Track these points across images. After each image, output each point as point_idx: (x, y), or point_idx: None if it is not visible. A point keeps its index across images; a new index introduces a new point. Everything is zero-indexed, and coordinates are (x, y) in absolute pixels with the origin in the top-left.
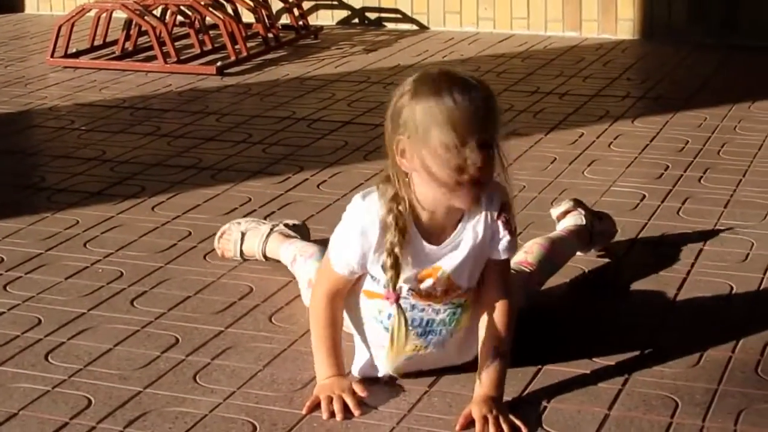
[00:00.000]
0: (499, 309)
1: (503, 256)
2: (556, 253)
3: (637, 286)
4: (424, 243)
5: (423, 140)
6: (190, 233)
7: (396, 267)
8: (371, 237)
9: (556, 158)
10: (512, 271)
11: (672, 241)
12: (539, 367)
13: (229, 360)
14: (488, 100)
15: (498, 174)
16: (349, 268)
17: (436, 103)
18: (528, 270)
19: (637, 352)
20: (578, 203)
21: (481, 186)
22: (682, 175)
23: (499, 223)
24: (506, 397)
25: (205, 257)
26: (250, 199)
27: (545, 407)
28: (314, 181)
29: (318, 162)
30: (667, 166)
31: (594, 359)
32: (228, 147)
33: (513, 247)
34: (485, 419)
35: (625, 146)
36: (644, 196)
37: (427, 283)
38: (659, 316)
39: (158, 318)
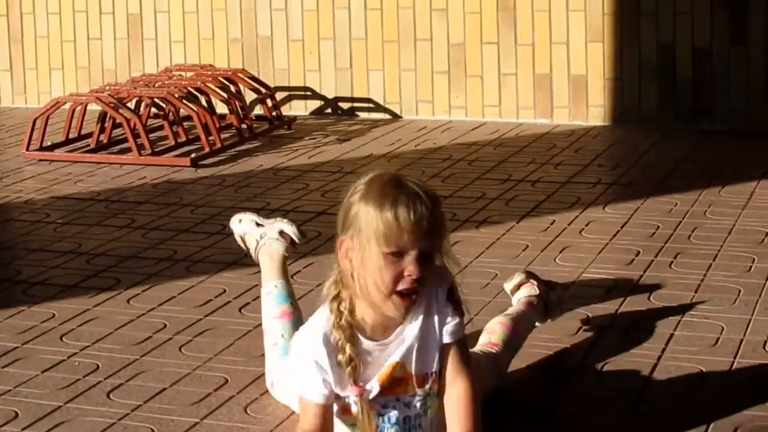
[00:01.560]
0: (461, 396)
1: (450, 340)
2: (518, 329)
3: (609, 368)
4: (368, 342)
5: (364, 245)
6: (165, 325)
7: (351, 361)
8: (323, 361)
9: (528, 245)
10: (479, 352)
11: (643, 326)
12: None
13: None
14: (433, 213)
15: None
16: (321, 393)
17: (381, 212)
18: (495, 351)
19: None
20: (530, 275)
21: (416, 297)
22: (652, 261)
23: (448, 308)
24: None
25: (180, 349)
26: (225, 290)
27: None
28: (289, 271)
29: (292, 253)
30: (638, 252)
31: None
32: (203, 239)
33: (459, 330)
34: None
35: (596, 233)
36: (615, 284)
37: (390, 380)
38: (630, 400)
39: (134, 410)
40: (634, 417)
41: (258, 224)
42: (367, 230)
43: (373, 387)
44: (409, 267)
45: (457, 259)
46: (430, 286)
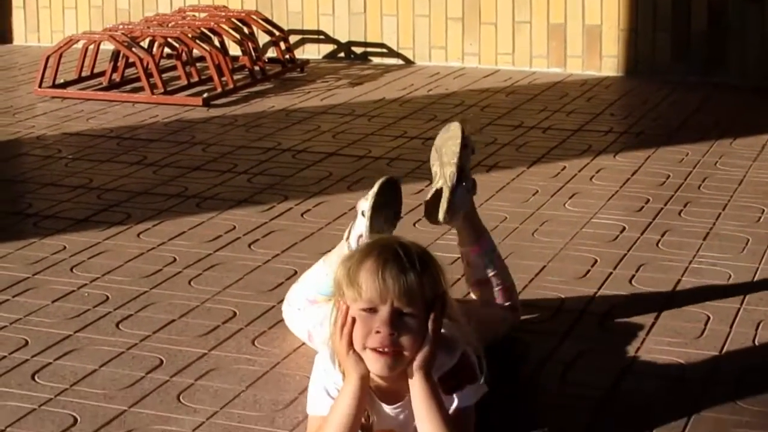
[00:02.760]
0: None
1: (453, 406)
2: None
3: (617, 311)
4: (378, 401)
5: (351, 299)
6: (175, 259)
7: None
8: (333, 393)
9: (538, 191)
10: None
11: (651, 271)
12: None
13: (212, 381)
14: (418, 275)
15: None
16: (329, 406)
17: (358, 269)
18: (494, 295)
19: (613, 378)
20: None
21: (391, 351)
22: (662, 209)
23: (439, 386)
24: None
25: (189, 282)
26: (235, 227)
27: None
28: (298, 210)
29: (302, 192)
30: (648, 200)
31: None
32: (213, 176)
33: (455, 400)
34: None
35: (606, 180)
36: (624, 228)
37: None
38: (640, 339)
39: (143, 340)
40: (645, 344)
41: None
42: (347, 288)
43: None
44: (378, 323)
45: (466, 328)
46: (413, 348)
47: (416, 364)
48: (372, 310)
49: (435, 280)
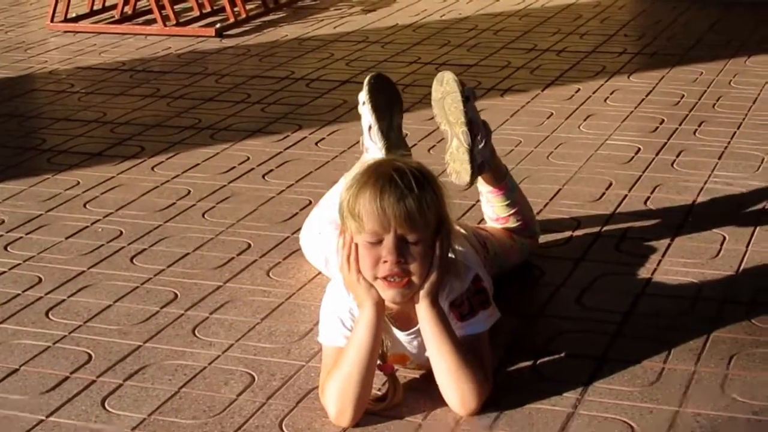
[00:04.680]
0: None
1: (465, 333)
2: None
3: (634, 229)
4: (392, 327)
5: (354, 231)
6: (189, 192)
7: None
8: (347, 323)
9: (552, 113)
10: (497, 235)
11: (666, 192)
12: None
13: (227, 314)
14: (417, 198)
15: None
16: (344, 336)
17: (356, 201)
18: (510, 224)
19: (631, 300)
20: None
21: (401, 281)
22: (677, 129)
23: (451, 314)
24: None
25: (203, 215)
26: (249, 158)
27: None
28: (312, 139)
29: (316, 120)
30: (663, 120)
31: (583, 304)
32: (227, 107)
33: (467, 326)
34: None
35: (620, 101)
36: (639, 149)
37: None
38: (660, 252)
39: (157, 275)
40: (662, 266)
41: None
42: (349, 220)
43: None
44: (384, 252)
45: (464, 244)
46: (422, 274)
47: (422, 291)
48: (377, 241)
49: (436, 201)
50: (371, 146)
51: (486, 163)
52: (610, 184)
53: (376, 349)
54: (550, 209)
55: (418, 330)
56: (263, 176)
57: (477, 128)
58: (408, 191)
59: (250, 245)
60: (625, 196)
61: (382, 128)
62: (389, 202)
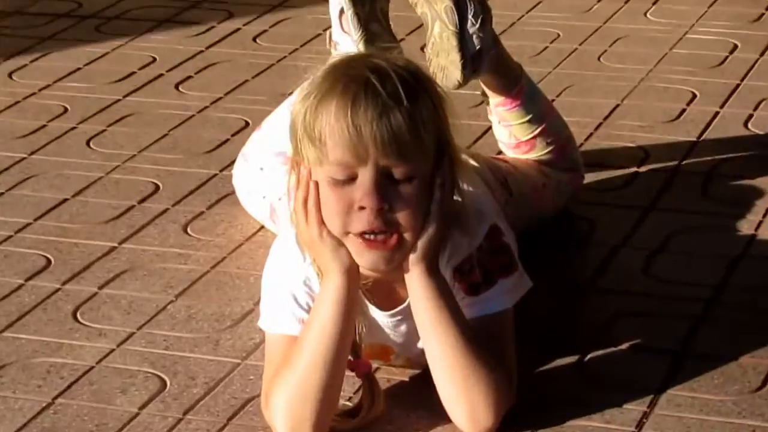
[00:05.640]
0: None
1: (469, 316)
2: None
3: (735, 155)
4: (367, 304)
5: (314, 161)
6: (65, 109)
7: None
8: (302, 299)
9: None
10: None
11: None
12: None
13: (124, 289)
14: (408, 113)
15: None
16: (299, 319)
17: (315, 117)
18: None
19: (723, 268)
20: None
21: (387, 238)
22: None
23: (457, 286)
24: None
25: (88, 143)
26: (154, 60)
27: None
28: (248, 32)
29: (254, 5)
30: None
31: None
32: None
33: (480, 302)
34: None
35: None
36: (735, 47)
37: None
38: None
39: (20, 231)
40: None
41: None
42: (305, 145)
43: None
44: (359, 195)
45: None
46: (415, 228)
47: (414, 254)
48: (348, 177)
49: (436, 115)
50: (342, 40)
51: (484, 53)
52: (693, 98)
53: (346, 339)
54: (604, 134)
55: (407, 310)
56: (176, 86)
57: (467, 3)
58: (393, 102)
59: (157, 188)
60: (715, 114)
61: (359, 13)
62: (366, 117)
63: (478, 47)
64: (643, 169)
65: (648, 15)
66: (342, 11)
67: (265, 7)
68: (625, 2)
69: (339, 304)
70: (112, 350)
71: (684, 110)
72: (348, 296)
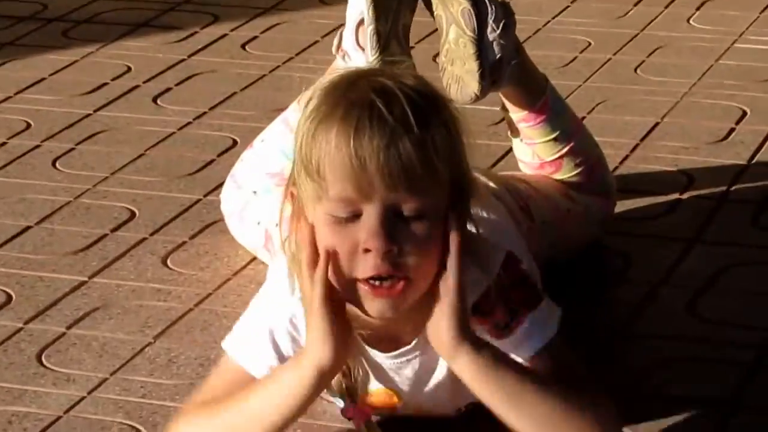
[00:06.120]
0: None
1: (525, 356)
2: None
3: None
4: (366, 347)
5: (309, 197)
6: (28, 125)
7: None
8: (282, 342)
9: None
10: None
11: None
12: None
13: (96, 329)
14: (418, 140)
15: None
16: (267, 366)
17: (314, 145)
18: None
19: None
20: None
21: (397, 285)
22: None
23: (478, 326)
24: None
25: (54, 164)
26: (129, 69)
27: None
28: (236, 39)
29: (243, 7)
30: None
31: None
32: None
33: (522, 341)
34: None
35: None
36: None
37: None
38: None
39: None
40: None
41: None
42: (303, 179)
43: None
44: (363, 234)
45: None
46: (427, 272)
47: (446, 335)
48: (351, 215)
49: (451, 143)
50: (354, 53)
51: (505, 63)
52: (743, 116)
53: (295, 418)
54: (641, 156)
55: (413, 351)
56: (154, 100)
57: (487, 6)
58: (402, 128)
59: (133, 214)
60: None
61: (380, 30)
62: (371, 146)
63: (498, 56)
64: (686, 196)
65: (691, 21)
66: (361, 22)
67: (256, 10)
68: (666, 7)
69: (295, 398)
70: (83, 398)
71: (732, 129)
72: (307, 397)
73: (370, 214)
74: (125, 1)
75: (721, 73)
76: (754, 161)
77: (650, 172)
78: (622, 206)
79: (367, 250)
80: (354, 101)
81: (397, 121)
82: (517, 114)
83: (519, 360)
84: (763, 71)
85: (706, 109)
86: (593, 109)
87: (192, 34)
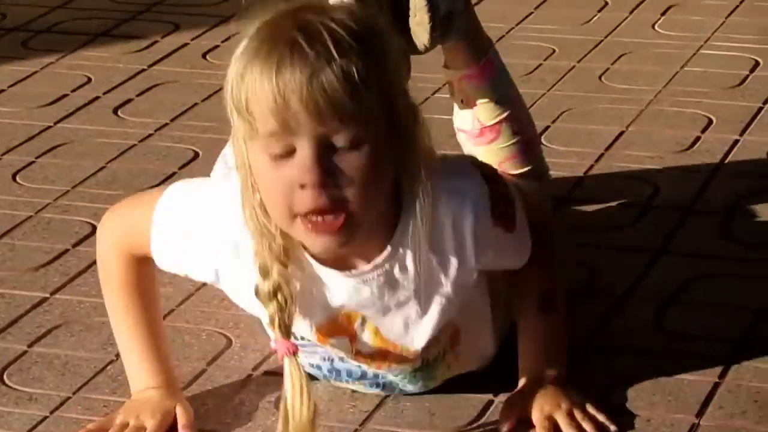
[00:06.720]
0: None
1: (517, 266)
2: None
3: (759, 186)
4: (318, 265)
5: (246, 135)
6: None
7: (279, 296)
8: (220, 255)
9: (607, 2)
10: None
11: None
12: None
13: (58, 347)
14: (347, 70)
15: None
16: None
17: (243, 80)
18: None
19: (746, 320)
20: None
21: (337, 220)
22: None
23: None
24: None
25: (14, 177)
26: (90, 80)
27: None
28: (197, 48)
29: (204, 15)
30: None
31: None
32: None
33: (519, 246)
34: (551, 421)
35: None
36: (757, 64)
37: (341, 344)
38: None
39: None
40: None
41: None
42: (235, 118)
43: (305, 335)
44: (297, 170)
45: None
46: (366, 199)
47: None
48: (286, 152)
49: (377, 68)
50: None
51: (455, 16)
52: (709, 124)
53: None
54: (606, 165)
55: (382, 266)
56: (115, 111)
57: None
58: (324, 60)
59: (95, 229)
60: (735, 142)
61: None
62: (293, 82)
63: (446, 10)
64: (651, 206)
65: (656, 27)
66: None
67: (217, 18)
68: (630, 12)
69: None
70: (45, 418)
71: (698, 138)
72: None
73: (303, 147)
74: (85, 11)
75: (686, 80)
76: (720, 170)
77: (615, 182)
78: (586, 216)
79: (303, 186)
80: (278, 39)
81: (319, 55)
82: (457, 72)
83: None
84: (729, 78)
85: (671, 117)
86: (558, 117)
87: (152, 44)
